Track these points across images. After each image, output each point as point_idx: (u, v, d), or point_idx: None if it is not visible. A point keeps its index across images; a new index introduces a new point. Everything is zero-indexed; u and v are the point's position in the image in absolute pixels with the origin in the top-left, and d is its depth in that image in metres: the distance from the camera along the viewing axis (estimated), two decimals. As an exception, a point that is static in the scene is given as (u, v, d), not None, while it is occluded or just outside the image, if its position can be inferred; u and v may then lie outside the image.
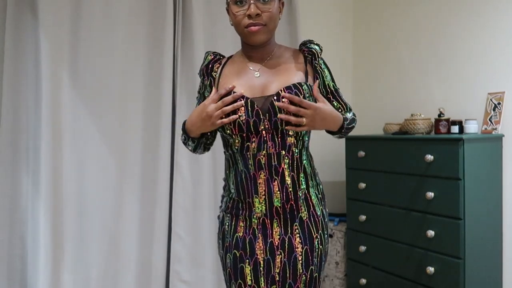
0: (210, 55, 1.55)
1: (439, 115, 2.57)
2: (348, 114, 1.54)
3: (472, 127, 2.46)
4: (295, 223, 1.41)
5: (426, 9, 2.92)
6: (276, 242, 1.40)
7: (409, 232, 2.50)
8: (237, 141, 1.40)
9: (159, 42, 2.68)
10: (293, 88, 1.37)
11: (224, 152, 1.50)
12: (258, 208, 1.40)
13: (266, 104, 1.37)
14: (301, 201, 1.42)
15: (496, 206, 2.41)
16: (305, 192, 1.44)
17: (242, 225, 1.44)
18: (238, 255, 1.43)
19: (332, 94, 1.54)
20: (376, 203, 2.72)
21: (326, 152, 3.29)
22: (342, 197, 3.10)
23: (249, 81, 1.44)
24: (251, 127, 1.37)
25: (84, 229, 2.55)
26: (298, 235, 1.41)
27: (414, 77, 3.00)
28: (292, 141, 1.40)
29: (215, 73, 1.52)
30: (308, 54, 1.51)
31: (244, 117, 1.36)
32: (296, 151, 1.41)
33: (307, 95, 1.39)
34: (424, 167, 2.40)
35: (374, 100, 3.32)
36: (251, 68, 1.47)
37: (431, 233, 2.35)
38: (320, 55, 1.53)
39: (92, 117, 2.56)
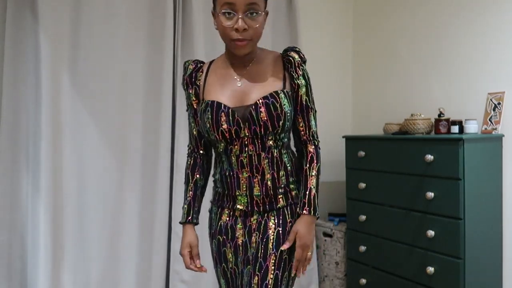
0: (191, 65, 1.61)
1: (439, 115, 2.57)
2: (310, 147, 1.56)
3: (472, 127, 2.46)
4: (273, 211, 1.53)
5: (426, 9, 2.92)
6: (254, 226, 1.53)
7: (409, 232, 2.50)
8: (222, 144, 1.51)
9: (159, 42, 2.68)
10: (269, 98, 1.46)
11: (214, 152, 1.63)
12: (240, 201, 1.53)
13: (245, 114, 1.46)
14: (281, 195, 1.53)
15: (496, 206, 2.41)
16: (285, 187, 1.53)
17: (226, 213, 1.57)
18: (221, 240, 1.58)
19: (301, 109, 1.54)
20: (376, 203, 2.72)
21: (326, 152, 3.29)
22: (342, 197, 3.10)
23: (232, 90, 1.52)
24: (233, 134, 1.48)
25: (84, 229, 2.55)
26: (273, 218, 1.52)
27: (414, 77, 3.00)
28: (271, 144, 1.49)
29: (199, 81, 1.59)
30: (286, 62, 1.54)
31: (225, 125, 1.47)
32: (276, 151, 1.50)
33: (284, 102, 1.47)
34: (424, 167, 2.41)
35: (374, 100, 3.32)
36: (234, 77, 1.54)
37: (431, 233, 2.35)
38: (300, 64, 1.54)
39: (92, 117, 2.56)
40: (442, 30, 2.82)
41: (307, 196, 1.51)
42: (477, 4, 2.62)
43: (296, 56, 1.54)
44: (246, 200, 1.52)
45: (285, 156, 1.54)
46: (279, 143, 1.51)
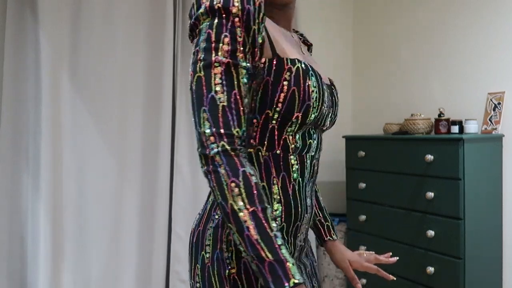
0: None
1: (439, 115, 2.57)
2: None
3: (472, 127, 2.46)
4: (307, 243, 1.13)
5: (426, 9, 2.92)
6: (307, 268, 1.10)
7: (409, 232, 2.50)
8: (297, 136, 0.95)
9: (159, 41, 2.68)
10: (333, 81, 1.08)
11: (259, 150, 0.95)
12: (301, 236, 1.01)
13: (332, 92, 1.04)
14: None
15: (496, 206, 2.41)
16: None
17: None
18: None
19: None
20: (376, 203, 2.72)
21: (326, 152, 3.30)
22: (342, 197, 3.10)
23: (305, 57, 1.05)
24: (325, 120, 1.00)
25: (84, 229, 2.55)
26: (309, 253, 1.18)
27: (414, 77, 3.00)
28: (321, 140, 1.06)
29: (265, 18, 0.94)
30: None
31: (326, 106, 0.97)
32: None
33: None
34: (424, 167, 2.41)
35: (374, 100, 3.32)
36: (295, 39, 1.07)
37: (431, 233, 2.35)
38: None
39: (92, 117, 2.56)
40: (442, 30, 2.82)
41: (328, 218, 1.26)
42: (477, 4, 2.62)
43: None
44: (304, 234, 1.02)
45: None
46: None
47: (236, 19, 0.85)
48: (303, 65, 0.92)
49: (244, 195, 0.81)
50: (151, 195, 2.69)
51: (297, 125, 0.92)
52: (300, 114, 0.90)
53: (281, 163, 0.93)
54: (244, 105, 0.86)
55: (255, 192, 0.82)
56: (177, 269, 2.72)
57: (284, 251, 0.79)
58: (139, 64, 2.67)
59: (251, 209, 0.81)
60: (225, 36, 0.85)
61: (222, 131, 0.83)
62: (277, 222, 0.88)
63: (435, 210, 2.36)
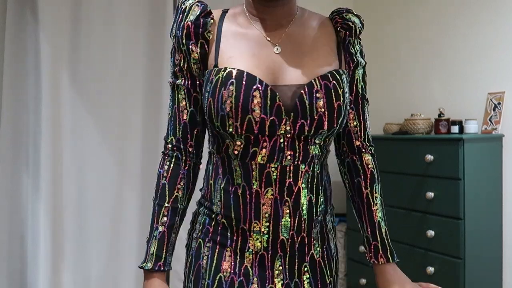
0: (196, 6, 1.01)
1: (439, 115, 2.57)
2: (366, 157, 1.12)
3: (472, 127, 2.46)
4: (305, 263, 1.02)
5: (427, 9, 2.92)
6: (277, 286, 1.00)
7: (409, 232, 2.50)
8: (238, 143, 0.96)
9: (159, 42, 2.68)
10: (330, 79, 0.96)
11: (211, 152, 1.06)
12: (257, 239, 0.98)
13: (293, 98, 0.94)
14: (315, 233, 1.03)
15: (496, 206, 2.41)
16: (321, 220, 1.05)
17: (230, 260, 1.00)
18: None
19: (355, 100, 1.10)
20: (376, 203, 2.72)
21: (326, 152, 3.29)
22: (342, 197, 3.10)
23: (265, 59, 0.98)
24: (266, 128, 0.94)
25: (84, 229, 2.55)
26: (307, 280, 1.02)
27: (414, 77, 3.00)
28: (316, 152, 0.99)
29: (209, 35, 1.00)
30: (342, 28, 1.07)
31: (258, 111, 0.92)
32: (318, 164, 1.01)
33: (346, 89, 1.00)
34: (424, 167, 2.40)
35: (374, 100, 3.31)
36: (268, 39, 1.00)
37: (431, 233, 2.35)
38: (360, 35, 1.09)
39: (92, 117, 2.56)
40: (442, 30, 2.81)
41: (378, 236, 1.07)
42: (477, 4, 2.62)
43: (358, 22, 1.07)
44: (266, 238, 0.98)
45: (324, 174, 1.06)
46: (324, 151, 1.02)
47: (176, 45, 1.02)
48: (225, 74, 0.94)
49: (155, 190, 1.06)
50: (151, 195, 2.68)
51: (227, 134, 0.95)
52: (219, 124, 0.94)
53: (226, 166, 1.00)
54: (186, 117, 1.03)
55: (159, 190, 1.04)
56: (177, 268, 2.72)
57: (152, 243, 1.05)
58: (139, 64, 2.67)
59: (154, 202, 1.06)
60: (172, 60, 1.04)
61: (164, 138, 1.08)
62: (218, 218, 1.01)
63: (435, 210, 2.36)
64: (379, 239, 1.07)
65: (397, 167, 2.57)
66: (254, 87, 0.92)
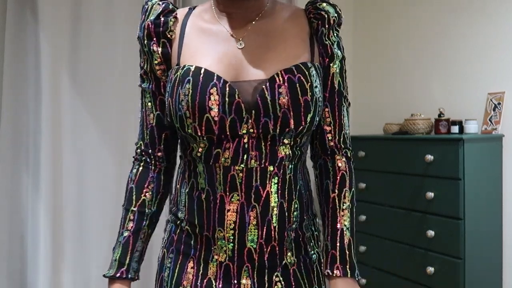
0: (158, 5, 1.01)
1: (439, 115, 2.57)
2: (339, 159, 1.01)
3: (472, 127, 2.46)
4: (276, 273, 0.93)
5: (426, 9, 2.92)
6: None
7: (409, 232, 2.50)
8: (202, 145, 0.91)
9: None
10: (295, 72, 0.90)
11: (180, 156, 1.01)
12: (221, 248, 0.91)
13: (253, 95, 0.88)
14: (289, 242, 0.94)
15: (496, 206, 2.41)
16: (297, 229, 0.96)
17: (192, 272, 0.94)
18: None
19: (330, 96, 1.00)
20: (376, 203, 2.72)
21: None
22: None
23: (227, 55, 0.93)
24: (226, 128, 0.88)
25: (84, 229, 2.55)
26: (279, 286, 0.94)
27: (414, 77, 3.00)
28: (287, 152, 0.92)
29: (171, 34, 0.97)
30: (314, 19, 0.99)
31: (216, 111, 0.87)
32: (290, 167, 0.93)
33: (316, 83, 0.93)
34: (424, 167, 2.41)
35: (374, 100, 3.32)
36: (231, 33, 0.95)
37: (431, 233, 2.35)
38: (337, 25, 1.01)
39: (92, 117, 2.56)
40: (442, 30, 2.81)
41: (338, 245, 0.95)
42: (477, 4, 2.62)
43: (332, 11, 0.99)
44: (232, 247, 0.91)
45: (300, 177, 0.97)
46: (297, 152, 0.95)
47: (140, 47, 1.01)
48: (182, 72, 0.90)
49: (124, 194, 1.03)
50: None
51: (188, 135, 0.91)
52: (178, 125, 0.90)
53: (192, 170, 0.95)
54: (152, 121, 1.01)
55: (127, 195, 1.02)
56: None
57: (116, 249, 1.02)
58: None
59: (122, 207, 1.03)
60: (139, 63, 1.04)
61: (135, 143, 1.06)
62: (182, 225, 0.97)
63: (435, 210, 2.36)
64: (338, 248, 0.94)
65: (397, 167, 2.57)
66: (211, 83, 0.87)
